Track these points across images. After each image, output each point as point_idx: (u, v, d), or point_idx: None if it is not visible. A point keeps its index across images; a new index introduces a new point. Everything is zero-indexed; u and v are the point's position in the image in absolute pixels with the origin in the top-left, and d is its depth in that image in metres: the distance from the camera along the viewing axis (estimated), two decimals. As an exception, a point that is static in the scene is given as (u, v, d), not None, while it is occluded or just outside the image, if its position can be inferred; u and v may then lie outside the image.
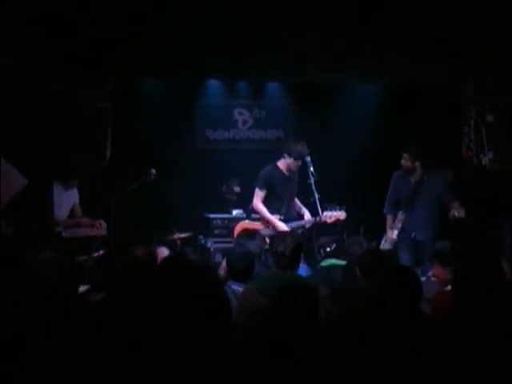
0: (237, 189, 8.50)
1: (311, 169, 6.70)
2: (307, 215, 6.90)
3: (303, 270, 5.69)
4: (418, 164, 6.74)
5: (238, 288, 4.67)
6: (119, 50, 6.84)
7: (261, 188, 6.83)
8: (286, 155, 6.83)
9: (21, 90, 6.50)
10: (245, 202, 7.74)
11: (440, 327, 3.17)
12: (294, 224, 6.74)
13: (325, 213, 6.65)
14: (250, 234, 6.23)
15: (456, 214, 6.41)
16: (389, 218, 6.95)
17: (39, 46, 6.55)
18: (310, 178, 6.65)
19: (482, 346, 2.95)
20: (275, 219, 6.72)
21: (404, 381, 2.86)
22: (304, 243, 5.13)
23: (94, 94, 6.96)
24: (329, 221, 6.65)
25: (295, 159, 6.77)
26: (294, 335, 2.89)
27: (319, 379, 2.77)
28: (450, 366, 2.90)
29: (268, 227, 6.76)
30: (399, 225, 6.76)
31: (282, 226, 6.64)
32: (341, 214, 6.65)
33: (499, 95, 7.29)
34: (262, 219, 6.83)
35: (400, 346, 2.96)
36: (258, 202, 6.83)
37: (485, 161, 7.39)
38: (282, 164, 6.89)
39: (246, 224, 7.04)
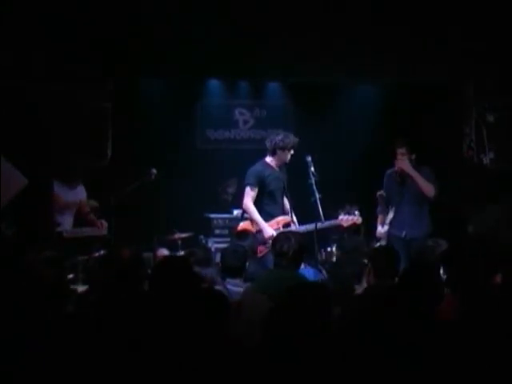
0: (231, 189, 8.51)
1: (312, 169, 6.66)
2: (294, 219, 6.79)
3: (305, 271, 5.68)
4: (414, 156, 6.70)
5: (232, 287, 4.68)
6: (119, 50, 6.84)
7: (252, 185, 6.63)
8: (278, 152, 6.72)
9: (21, 90, 6.50)
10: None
11: (447, 328, 3.17)
12: (303, 227, 6.62)
13: (340, 216, 6.72)
14: (241, 234, 6.16)
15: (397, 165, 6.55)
16: (380, 216, 6.92)
17: (39, 46, 6.56)
18: (310, 178, 6.61)
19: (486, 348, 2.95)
20: (264, 222, 6.54)
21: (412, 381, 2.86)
22: (306, 244, 5.11)
23: (94, 93, 6.97)
24: (345, 224, 6.66)
25: (289, 150, 6.67)
26: (303, 335, 2.88)
27: (325, 380, 2.77)
28: (454, 367, 2.90)
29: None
30: (388, 220, 6.74)
31: (269, 231, 6.47)
32: (357, 219, 6.70)
33: (499, 95, 7.29)
34: (252, 220, 6.63)
35: (409, 346, 2.96)
36: (248, 202, 6.60)
37: (486, 160, 7.39)
38: (271, 160, 6.80)
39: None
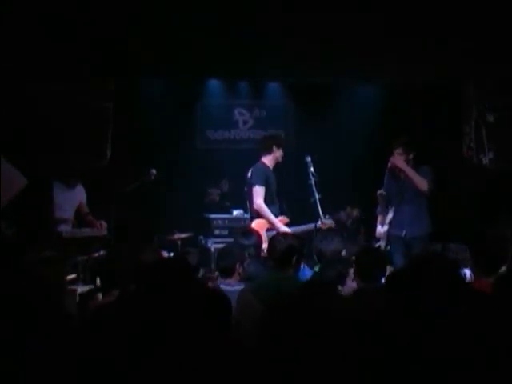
0: (216, 191, 8.54)
1: (311, 169, 6.67)
2: None
3: (302, 272, 5.67)
4: (411, 156, 6.69)
5: (225, 287, 4.70)
6: (119, 50, 6.84)
7: (262, 185, 6.61)
8: (274, 148, 6.74)
9: (21, 90, 6.50)
10: (239, 202, 7.73)
11: (442, 328, 3.16)
12: (299, 228, 6.61)
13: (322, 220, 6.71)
14: (247, 233, 6.16)
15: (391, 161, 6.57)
16: (380, 216, 6.92)
17: (39, 46, 6.56)
18: (310, 179, 6.61)
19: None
20: (278, 221, 6.58)
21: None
22: (302, 246, 5.09)
23: (95, 94, 6.97)
24: (324, 228, 6.63)
25: (282, 148, 6.74)
26: (305, 335, 2.88)
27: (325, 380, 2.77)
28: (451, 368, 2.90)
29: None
30: (388, 220, 6.74)
31: (285, 229, 6.46)
32: (331, 223, 6.64)
33: (499, 95, 7.30)
34: (266, 220, 6.63)
35: (401, 346, 2.96)
36: (261, 201, 6.59)
37: (485, 160, 7.40)
38: (268, 160, 6.80)
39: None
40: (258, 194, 6.64)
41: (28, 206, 6.32)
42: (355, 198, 8.33)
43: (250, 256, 5.43)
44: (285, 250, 4.70)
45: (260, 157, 6.85)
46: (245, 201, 7.07)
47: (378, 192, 6.79)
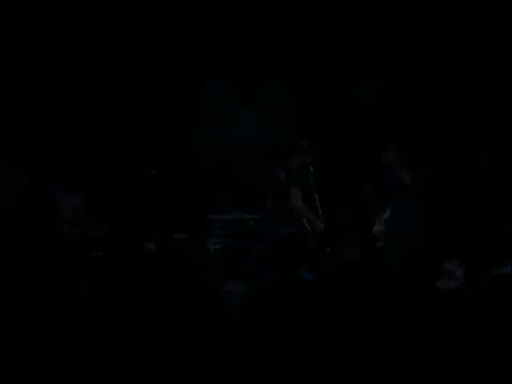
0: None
1: (311, 170, 6.67)
2: None
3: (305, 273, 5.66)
4: (405, 158, 6.70)
5: (230, 288, 4.69)
6: (120, 50, 6.85)
7: (298, 187, 6.51)
8: (295, 155, 6.68)
9: (21, 91, 6.51)
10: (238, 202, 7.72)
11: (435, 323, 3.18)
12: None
13: None
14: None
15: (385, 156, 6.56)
16: (380, 216, 6.94)
17: (40, 47, 6.57)
18: (309, 179, 6.61)
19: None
20: (317, 220, 6.49)
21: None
22: (308, 245, 5.10)
23: (95, 93, 6.97)
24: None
25: (302, 155, 6.71)
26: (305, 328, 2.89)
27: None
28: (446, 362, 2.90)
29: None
30: (384, 218, 6.76)
31: (322, 225, 6.44)
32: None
33: (499, 95, 7.30)
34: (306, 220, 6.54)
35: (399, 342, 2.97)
36: (301, 202, 6.49)
37: (485, 161, 7.39)
38: (291, 165, 6.77)
39: None
40: (297, 196, 6.56)
41: (29, 206, 6.33)
42: (355, 199, 8.31)
43: (258, 256, 5.43)
44: (297, 251, 4.71)
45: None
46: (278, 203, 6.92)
47: (364, 188, 6.82)
